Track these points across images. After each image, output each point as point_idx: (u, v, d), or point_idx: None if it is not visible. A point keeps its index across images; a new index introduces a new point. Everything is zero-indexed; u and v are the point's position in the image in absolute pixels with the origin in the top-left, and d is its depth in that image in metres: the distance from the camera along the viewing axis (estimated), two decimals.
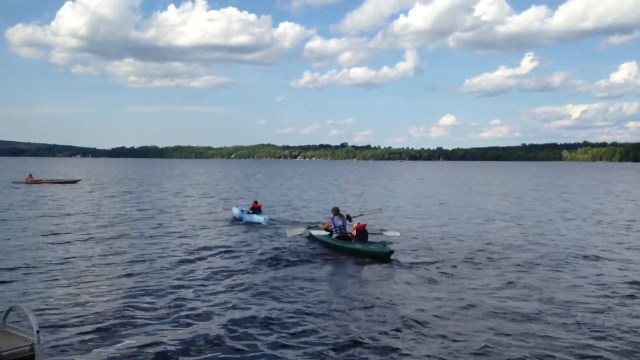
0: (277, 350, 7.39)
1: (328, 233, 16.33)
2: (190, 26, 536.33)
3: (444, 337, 7.96)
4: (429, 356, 7.20)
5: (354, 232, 15.53)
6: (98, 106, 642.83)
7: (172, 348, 7.38)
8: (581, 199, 35.44)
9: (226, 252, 14.76)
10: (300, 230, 17.25)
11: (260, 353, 7.30)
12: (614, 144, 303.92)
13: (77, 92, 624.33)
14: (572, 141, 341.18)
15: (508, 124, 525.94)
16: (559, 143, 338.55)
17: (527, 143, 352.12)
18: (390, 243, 15.74)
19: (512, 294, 10.51)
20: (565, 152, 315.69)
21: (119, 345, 7.44)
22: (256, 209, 21.81)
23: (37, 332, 4.20)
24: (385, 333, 8.12)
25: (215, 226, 20.27)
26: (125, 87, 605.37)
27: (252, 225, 20.45)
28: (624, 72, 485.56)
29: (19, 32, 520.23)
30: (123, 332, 7.95)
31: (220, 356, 7.16)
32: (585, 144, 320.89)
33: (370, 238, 15.70)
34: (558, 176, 79.78)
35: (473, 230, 19.28)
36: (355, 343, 7.62)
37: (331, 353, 7.27)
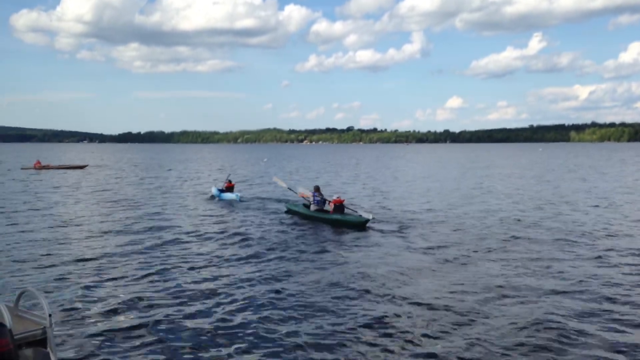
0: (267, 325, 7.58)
1: (305, 207, 18.34)
2: (195, 10, 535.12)
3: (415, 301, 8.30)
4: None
5: (332, 206, 17.21)
6: (104, 92, 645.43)
7: (180, 332, 7.54)
8: (601, 180, 35.33)
9: (220, 233, 15.31)
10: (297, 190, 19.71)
11: (258, 329, 7.49)
12: (622, 124, 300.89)
13: (83, 78, 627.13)
14: (579, 122, 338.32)
15: (515, 105, 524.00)
16: (566, 124, 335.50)
17: (535, 124, 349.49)
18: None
19: (483, 262, 10.94)
20: (573, 133, 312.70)
21: (130, 328, 7.60)
22: (230, 188, 23.90)
23: (50, 316, 4.21)
24: (364, 298, 8.66)
25: (201, 208, 21.13)
26: (131, 72, 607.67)
27: (227, 202, 22.43)
28: (633, 52, 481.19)
29: (23, 18, 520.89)
30: (133, 316, 8.11)
31: (213, 334, 7.33)
32: (593, 125, 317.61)
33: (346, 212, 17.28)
34: (568, 158, 79.41)
35: (472, 211, 19.36)
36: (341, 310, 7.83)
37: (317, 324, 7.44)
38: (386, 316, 8.15)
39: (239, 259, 11.95)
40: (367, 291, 9.43)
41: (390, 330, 7.59)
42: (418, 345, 7.09)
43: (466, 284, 9.88)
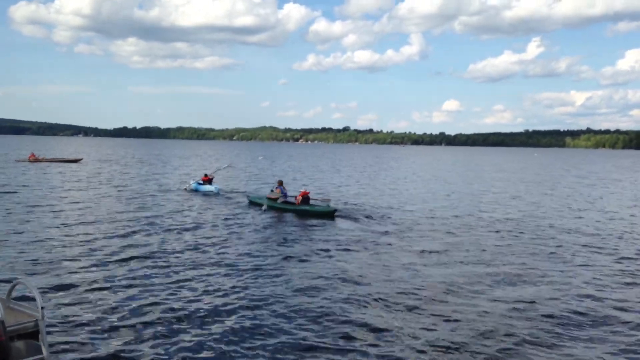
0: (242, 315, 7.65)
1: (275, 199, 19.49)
2: (195, 6, 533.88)
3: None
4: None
5: (300, 198, 18.69)
6: (101, 86, 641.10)
7: (167, 326, 7.54)
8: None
9: (204, 225, 15.97)
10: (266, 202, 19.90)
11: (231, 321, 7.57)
12: (617, 132, 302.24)
13: (80, 72, 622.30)
14: (575, 128, 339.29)
15: (511, 109, 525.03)
16: (561, 130, 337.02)
17: (530, 129, 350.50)
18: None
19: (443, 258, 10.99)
20: (568, 139, 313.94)
21: (120, 322, 7.60)
22: (207, 181, 25.48)
23: (42, 308, 4.21)
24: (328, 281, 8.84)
25: (190, 202, 21.60)
26: (129, 67, 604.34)
27: (206, 194, 24.04)
28: (630, 59, 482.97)
29: (22, 10, 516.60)
30: (124, 310, 8.10)
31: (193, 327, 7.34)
32: (589, 131, 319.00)
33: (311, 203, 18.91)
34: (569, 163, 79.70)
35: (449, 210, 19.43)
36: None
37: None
38: (367, 311, 8.20)
39: (227, 254, 12.04)
40: (349, 286, 9.51)
41: (368, 324, 7.63)
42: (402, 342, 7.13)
43: (448, 282, 9.94)
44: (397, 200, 23.97)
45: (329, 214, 17.63)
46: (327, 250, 12.80)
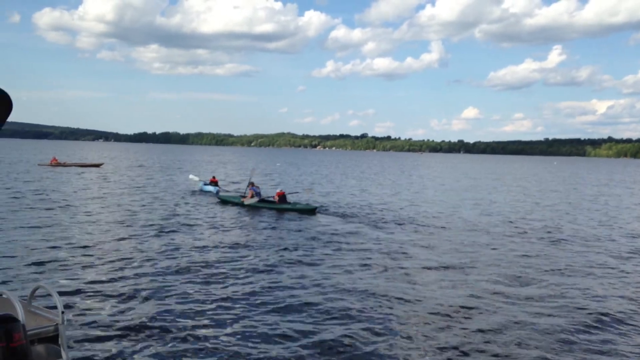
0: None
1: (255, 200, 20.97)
2: (216, 13, 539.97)
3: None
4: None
5: (277, 197, 20.28)
6: (122, 91, 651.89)
7: (190, 331, 7.54)
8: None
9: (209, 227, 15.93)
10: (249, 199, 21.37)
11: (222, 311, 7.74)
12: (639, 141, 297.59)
13: (102, 77, 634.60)
14: (596, 137, 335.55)
15: (531, 118, 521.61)
16: (582, 138, 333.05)
17: (550, 138, 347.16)
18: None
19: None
20: (588, 148, 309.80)
21: (141, 327, 7.62)
22: (213, 183, 27.90)
23: (62, 312, 4.25)
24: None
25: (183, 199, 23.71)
26: (150, 73, 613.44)
27: (207, 194, 26.38)
28: None
29: (46, 16, 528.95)
30: (145, 315, 8.11)
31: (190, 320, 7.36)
32: (610, 140, 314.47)
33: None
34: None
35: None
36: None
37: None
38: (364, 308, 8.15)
39: (236, 254, 12.13)
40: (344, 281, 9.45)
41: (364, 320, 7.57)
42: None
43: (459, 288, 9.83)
44: (418, 207, 23.75)
45: (310, 211, 19.17)
46: (324, 253, 12.86)
